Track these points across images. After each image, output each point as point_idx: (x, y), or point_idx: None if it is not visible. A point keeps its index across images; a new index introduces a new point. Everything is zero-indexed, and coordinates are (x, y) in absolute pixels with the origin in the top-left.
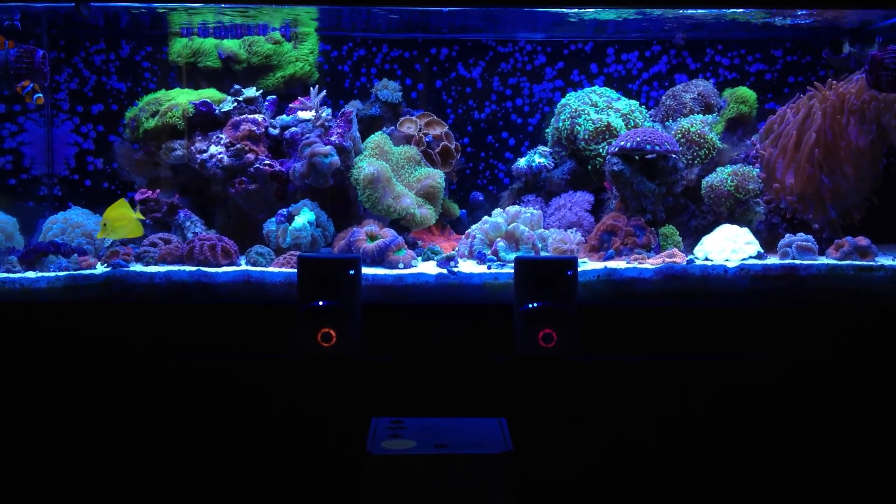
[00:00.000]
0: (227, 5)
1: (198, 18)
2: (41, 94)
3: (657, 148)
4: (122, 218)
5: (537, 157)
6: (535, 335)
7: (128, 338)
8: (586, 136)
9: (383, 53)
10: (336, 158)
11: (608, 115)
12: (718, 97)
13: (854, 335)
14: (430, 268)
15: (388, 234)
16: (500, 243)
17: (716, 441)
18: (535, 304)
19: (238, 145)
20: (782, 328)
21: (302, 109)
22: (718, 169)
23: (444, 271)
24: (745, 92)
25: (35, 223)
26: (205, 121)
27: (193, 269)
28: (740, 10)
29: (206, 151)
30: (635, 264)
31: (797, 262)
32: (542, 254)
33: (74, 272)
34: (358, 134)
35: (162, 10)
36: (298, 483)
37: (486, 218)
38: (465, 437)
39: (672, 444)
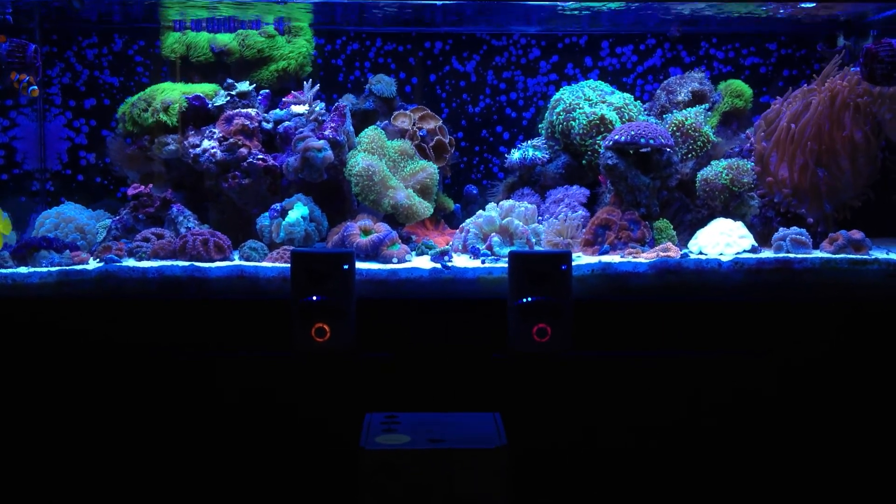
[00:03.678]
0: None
1: (191, 12)
2: (36, 87)
3: (652, 142)
4: None
5: (531, 151)
6: (529, 330)
7: (120, 333)
8: (581, 130)
9: (377, 47)
10: (330, 153)
11: (602, 108)
12: (713, 90)
13: (848, 329)
14: (424, 262)
15: (382, 228)
16: (495, 238)
17: (710, 435)
18: (530, 299)
19: (231, 140)
20: (776, 322)
21: (295, 104)
22: (713, 162)
23: (439, 266)
24: (740, 85)
25: (27, 218)
26: (198, 115)
27: (186, 264)
28: (735, 5)
29: (199, 146)
30: (630, 258)
31: (791, 255)
32: (537, 248)
33: (67, 267)
34: (352, 128)
35: (154, 4)
36: (294, 478)
37: (480, 212)
38: (459, 432)
39: (666, 439)
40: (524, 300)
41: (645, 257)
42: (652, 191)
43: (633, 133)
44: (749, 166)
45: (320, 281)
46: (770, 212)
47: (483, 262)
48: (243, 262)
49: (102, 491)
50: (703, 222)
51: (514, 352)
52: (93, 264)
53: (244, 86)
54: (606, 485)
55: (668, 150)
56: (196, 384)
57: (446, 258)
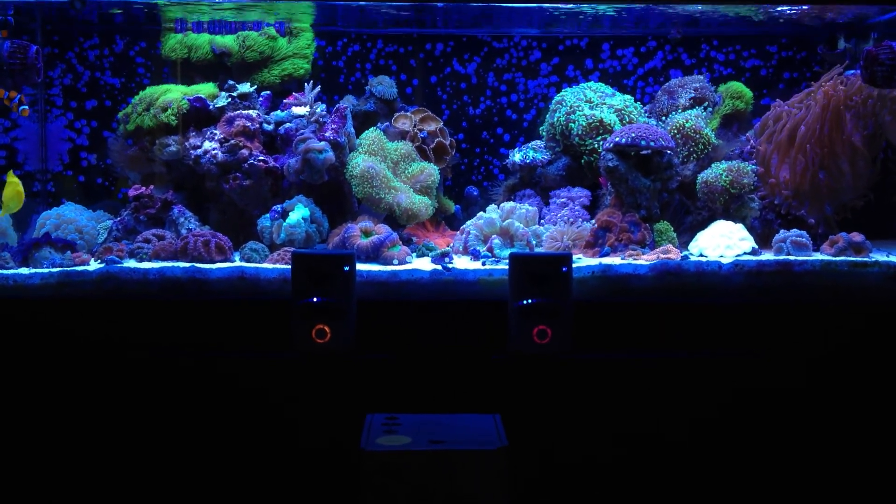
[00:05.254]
0: None
1: (192, 14)
2: (27, 107)
3: (652, 144)
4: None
5: (532, 152)
6: (529, 331)
7: (121, 334)
8: (581, 132)
9: (378, 49)
10: (331, 154)
11: (602, 110)
12: (713, 93)
13: (848, 331)
14: (424, 264)
15: (383, 230)
16: (495, 240)
17: (709, 437)
18: (530, 301)
19: (232, 141)
20: (776, 324)
21: (296, 105)
22: (714, 164)
23: (439, 267)
24: (740, 87)
25: (29, 219)
26: (199, 116)
27: (187, 265)
28: (732, 7)
29: (200, 147)
30: (630, 260)
31: (792, 257)
32: (537, 250)
33: (68, 268)
34: (352, 130)
35: (156, 5)
36: (295, 479)
37: (480, 214)
38: (459, 434)
39: (665, 440)
40: (525, 302)
41: (645, 259)
42: (652, 193)
43: (633, 135)
44: (749, 168)
45: (321, 282)
46: (771, 214)
47: (483, 263)
48: (244, 264)
49: (103, 491)
50: (703, 224)
51: (514, 353)
52: (94, 265)
53: (245, 87)
54: (606, 486)
55: (669, 152)
56: (197, 385)
57: (447, 260)
